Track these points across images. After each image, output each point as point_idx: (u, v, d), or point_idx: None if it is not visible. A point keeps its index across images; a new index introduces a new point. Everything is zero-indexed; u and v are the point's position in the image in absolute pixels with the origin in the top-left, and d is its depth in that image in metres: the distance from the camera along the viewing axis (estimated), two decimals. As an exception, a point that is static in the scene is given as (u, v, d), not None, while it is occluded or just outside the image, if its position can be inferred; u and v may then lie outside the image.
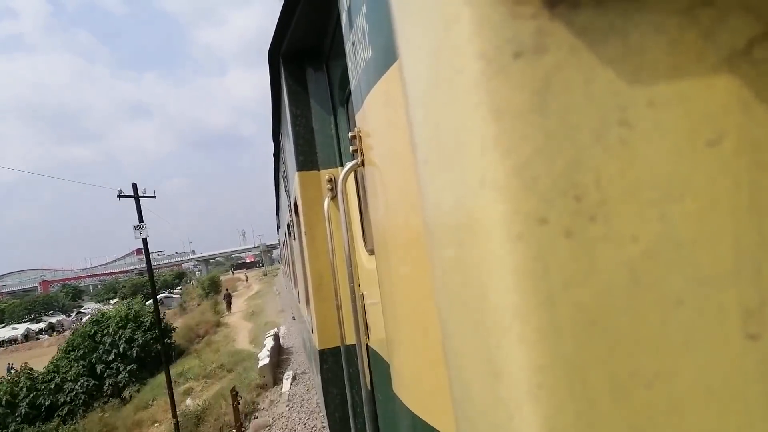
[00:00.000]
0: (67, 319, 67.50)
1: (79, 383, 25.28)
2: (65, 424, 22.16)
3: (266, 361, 13.16)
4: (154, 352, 27.04)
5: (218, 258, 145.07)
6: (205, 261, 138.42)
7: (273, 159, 6.69)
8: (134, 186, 18.45)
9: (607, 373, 0.54)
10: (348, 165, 1.64)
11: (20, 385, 24.80)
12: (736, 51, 0.52)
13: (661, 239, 0.53)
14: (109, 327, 28.17)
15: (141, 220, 18.14)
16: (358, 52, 1.33)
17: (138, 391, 24.52)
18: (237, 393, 10.02)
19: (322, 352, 2.94)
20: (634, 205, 0.54)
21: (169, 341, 27.20)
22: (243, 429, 9.97)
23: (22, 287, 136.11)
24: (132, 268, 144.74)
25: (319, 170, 2.82)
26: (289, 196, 4.25)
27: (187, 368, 20.86)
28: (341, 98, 2.65)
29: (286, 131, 3.39)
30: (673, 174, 0.53)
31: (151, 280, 18.82)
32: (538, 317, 0.55)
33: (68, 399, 24.58)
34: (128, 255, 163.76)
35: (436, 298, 0.79)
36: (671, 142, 0.53)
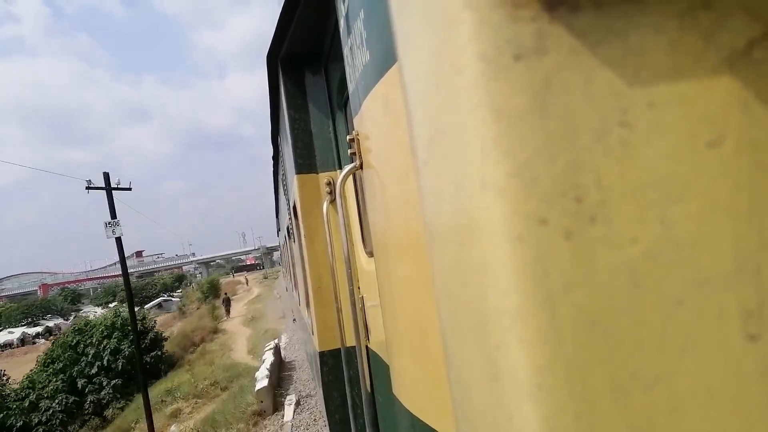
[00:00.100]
0: (65, 323, 66.78)
1: (56, 400, 22.37)
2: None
3: (264, 382, 10.77)
4: (143, 362, 24.37)
5: (218, 260, 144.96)
6: (206, 263, 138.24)
7: (272, 162, 6.70)
8: (106, 176, 16.26)
9: (607, 373, 0.54)
10: (346, 168, 1.64)
11: (-12, 403, 21.73)
12: (736, 52, 0.53)
13: (661, 240, 0.53)
14: (92, 336, 25.12)
15: (114, 216, 16.07)
16: (355, 57, 1.33)
17: (122, 409, 21.82)
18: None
19: (322, 354, 2.94)
20: (634, 206, 0.54)
21: (159, 353, 25.90)
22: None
23: (22, 290, 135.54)
24: (132, 271, 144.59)
25: (317, 173, 2.82)
26: (288, 199, 4.25)
27: (176, 384, 18.24)
28: (340, 102, 2.65)
29: (284, 135, 3.40)
30: (673, 175, 0.53)
31: (127, 287, 16.70)
32: (539, 318, 0.55)
33: (44, 419, 21.63)
34: (127, 258, 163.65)
35: (436, 300, 0.79)
36: (671, 143, 0.53)
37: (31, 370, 25.44)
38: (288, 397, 10.63)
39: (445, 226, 0.70)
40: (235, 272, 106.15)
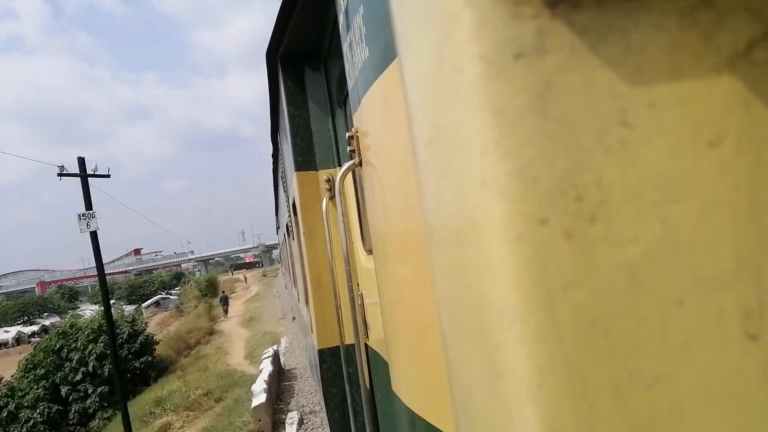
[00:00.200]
0: (62, 321, 66.20)
1: (38, 410, 20.39)
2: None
3: (262, 398, 9.31)
4: (131, 369, 22.56)
5: (217, 258, 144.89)
6: (204, 261, 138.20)
7: (272, 160, 6.70)
8: (80, 161, 14.60)
9: (607, 373, 0.54)
10: (345, 165, 1.64)
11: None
12: (737, 52, 0.53)
13: (662, 240, 0.53)
14: (78, 340, 22.73)
15: (89, 206, 14.47)
16: (355, 53, 1.33)
17: (109, 419, 19.73)
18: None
19: (321, 352, 2.95)
20: (634, 206, 0.54)
21: (150, 358, 23.86)
22: None
23: (20, 288, 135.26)
24: (130, 268, 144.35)
25: (317, 170, 2.82)
26: (287, 197, 4.25)
27: (167, 393, 16.57)
28: (339, 99, 2.65)
29: (284, 132, 3.39)
30: (674, 175, 0.53)
31: (103, 286, 15.21)
32: (538, 318, 0.55)
33: (23, 431, 19.94)
34: (126, 255, 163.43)
35: (435, 300, 0.79)
36: (671, 143, 0.53)
37: (12, 376, 23.63)
38: (289, 414, 9.25)
39: (445, 226, 0.70)
40: (234, 270, 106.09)
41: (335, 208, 1.97)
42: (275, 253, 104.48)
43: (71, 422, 20.60)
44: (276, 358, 13.15)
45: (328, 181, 2.65)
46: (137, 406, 17.14)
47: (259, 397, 9.43)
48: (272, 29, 2.62)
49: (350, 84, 1.46)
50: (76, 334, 23.27)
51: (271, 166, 7.36)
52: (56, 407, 20.75)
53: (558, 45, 0.53)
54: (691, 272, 0.53)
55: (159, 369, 24.00)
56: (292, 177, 3.02)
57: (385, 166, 1.21)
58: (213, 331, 29.78)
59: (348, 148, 1.52)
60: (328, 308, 2.73)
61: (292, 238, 5.04)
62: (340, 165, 2.74)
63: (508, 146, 0.55)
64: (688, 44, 0.53)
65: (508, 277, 0.56)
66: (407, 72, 0.76)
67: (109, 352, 20.38)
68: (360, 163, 1.47)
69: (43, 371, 21.98)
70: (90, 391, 21.42)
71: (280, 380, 12.38)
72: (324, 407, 3.13)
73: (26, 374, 22.47)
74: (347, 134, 1.52)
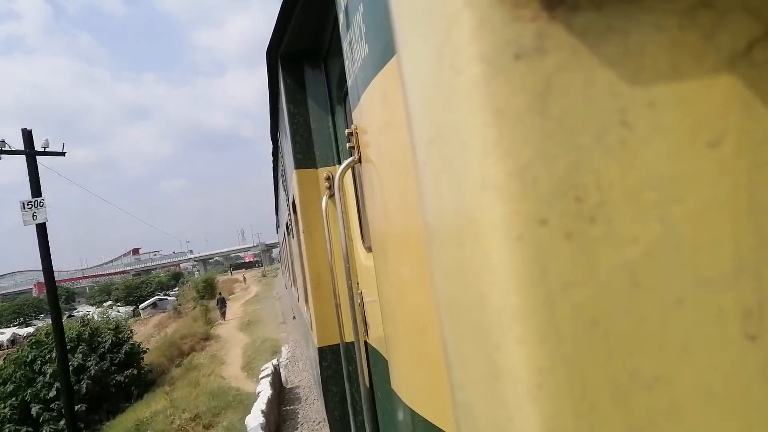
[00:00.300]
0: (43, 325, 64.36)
1: None
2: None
3: None
4: (114, 383, 19.47)
5: (217, 258, 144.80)
6: (204, 261, 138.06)
7: (272, 158, 6.69)
8: (25, 135, 12.00)
9: (607, 374, 0.54)
10: (345, 162, 1.64)
11: None
12: (736, 52, 0.53)
13: (661, 240, 0.53)
14: (53, 351, 18.30)
15: (37, 193, 11.98)
16: (354, 51, 1.33)
17: None
18: None
19: (321, 350, 2.95)
20: (634, 207, 0.54)
21: (135, 371, 20.60)
22: None
23: (18, 289, 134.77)
24: (128, 268, 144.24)
25: (317, 168, 2.82)
26: (287, 195, 4.25)
27: (149, 415, 14.21)
28: (339, 97, 2.65)
29: (284, 130, 3.39)
30: (673, 175, 0.53)
31: (51, 299, 12.81)
32: (538, 318, 0.55)
33: None
34: (124, 255, 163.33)
35: (435, 300, 0.79)
36: (671, 143, 0.53)
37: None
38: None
39: (444, 226, 0.70)
40: (234, 270, 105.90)
41: (335, 206, 1.97)
42: (275, 252, 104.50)
43: (43, 448, 17.42)
44: (276, 375, 10.87)
45: (328, 179, 2.65)
46: (122, 423, 15.17)
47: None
48: (273, 28, 2.62)
49: (350, 81, 1.47)
50: (51, 343, 19.01)
51: (271, 165, 7.35)
52: (25, 429, 17.88)
53: (557, 46, 0.54)
54: (690, 272, 0.53)
55: (146, 382, 21.18)
56: (292, 175, 3.02)
57: (384, 163, 1.21)
58: (209, 337, 27.73)
59: (347, 145, 1.52)
60: (327, 306, 2.73)
61: (291, 236, 5.04)
62: (339, 163, 2.74)
63: (508, 146, 0.55)
64: (687, 44, 0.53)
65: (507, 277, 0.56)
66: (406, 71, 0.76)
67: (87, 364, 18.87)
68: (359, 160, 1.48)
69: (12, 387, 18.74)
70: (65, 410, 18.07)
71: (281, 403, 10.25)
72: (323, 405, 3.13)
73: (-9, 391, 18.81)
74: (347, 131, 1.52)
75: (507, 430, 0.59)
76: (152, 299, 59.59)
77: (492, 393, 0.62)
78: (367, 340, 2.14)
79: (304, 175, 2.84)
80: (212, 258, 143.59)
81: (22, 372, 19.02)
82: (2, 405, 18.25)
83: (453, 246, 0.67)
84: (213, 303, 36.81)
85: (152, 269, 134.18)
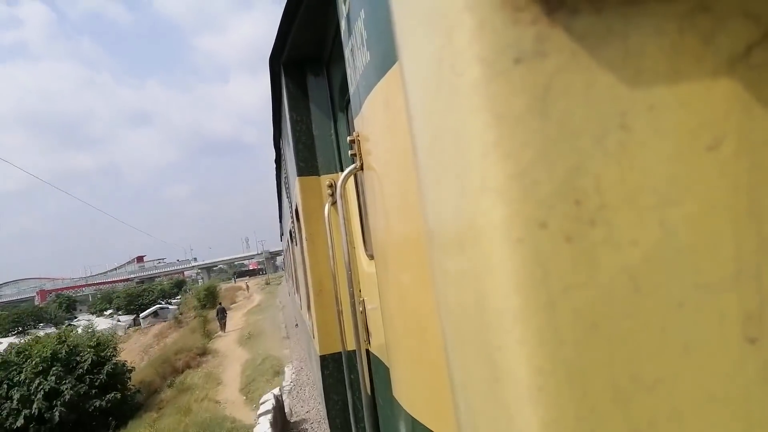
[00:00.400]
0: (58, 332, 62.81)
1: None
2: None
3: None
4: (92, 408, 17.26)
5: (221, 265, 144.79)
6: (207, 268, 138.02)
7: (275, 165, 6.72)
8: None
9: (607, 376, 0.54)
10: (347, 169, 1.65)
11: None
12: (735, 55, 0.53)
13: (661, 243, 0.53)
14: (22, 372, 17.16)
15: None
16: (356, 58, 1.34)
17: None
18: None
19: (323, 358, 2.94)
20: (634, 210, 0.54)
21: (118, 394, 18.28)
22: None
23: (20, 297, 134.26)
24: (132, 276, 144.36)
25: (319, 176, 2.83)
26: (290, 203, 4.26)
27: None
28: (341, 104, 2.66)
29: (286, 137, 3.41)
30: (673, 178, 0.53)
31: None
32: (539, 320, 0.55)
33: None
34: (128, 263, 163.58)
35: (436, 302, 0.79)
36: (671, 146, 0.53)
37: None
38: None
39: (445, 229, 0.70)
40: (237, 277, 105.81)
41: (337, 214, 1.97)
42: (279, 259, 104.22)
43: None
44: (278, 409, 8.92)
45: (331, 186, 2.65)
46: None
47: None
48: (275, 35, 2.64)
49: (352, 88, 1.47)
50: (22, 363, 17.68)
51: (274, 172, 7.38)
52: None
53: (557, 49, 0.54)
54: (691, 275, 0.53)
55: (132, 406, 19.07)
56: (295, 182, 3.03)
57: (386, 170, 1.21)
58: (206, 351, 25.94)
59: (349, 152, 1.53)
60: (329, 314, 2.73)
61: (295, 243, 5.04)
62: (342, 170, 2.75)
63: (508, 149, 0.55)
64: (687, 47, 0.53)
65: (508, 279, 0.56)
66: (408, 75, 0.76)
67: (61, 388, 16.41)
68: (361, 167, 1.48)
69: (-28, 415, 16.06)
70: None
71: (285, 437, 8.54)
72: (325, 413, 3.12)
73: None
74: (348, 138, 1.53)
75: (507, 431, 0.59)
76: (153, 308, 58.36)
77: (493, 395, 0.62)
78: (369, 348, 2.13)
79: (307, 183, 2.85)
80: (216, 265, 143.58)
81: (-13, 397, 16.21)
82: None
83: (454, 249, 0.67)
84: (213, 314, 34.87)
85: (156, 277, 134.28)
